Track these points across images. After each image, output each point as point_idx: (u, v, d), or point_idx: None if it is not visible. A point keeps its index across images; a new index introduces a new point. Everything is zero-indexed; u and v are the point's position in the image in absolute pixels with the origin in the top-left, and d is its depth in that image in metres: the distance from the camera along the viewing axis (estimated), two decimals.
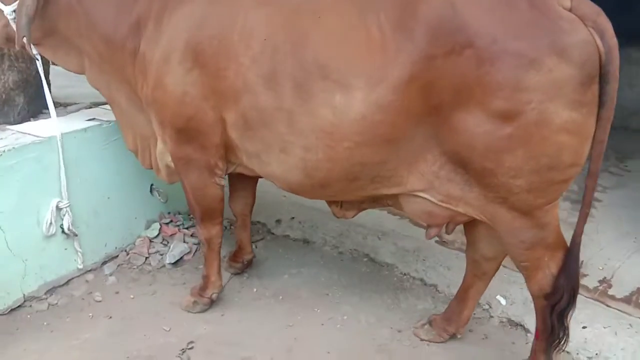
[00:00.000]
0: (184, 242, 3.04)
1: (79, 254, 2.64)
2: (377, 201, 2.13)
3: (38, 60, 2.39)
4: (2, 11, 2.25)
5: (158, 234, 3.06)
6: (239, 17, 1.90)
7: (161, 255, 2.95)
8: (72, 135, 2.51)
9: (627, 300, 2.68)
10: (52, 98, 2.92)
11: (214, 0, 1.97)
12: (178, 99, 2.03)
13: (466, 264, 2.33)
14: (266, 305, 2.63)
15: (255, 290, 2.76)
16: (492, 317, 2.62)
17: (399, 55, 1.65)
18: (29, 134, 2.43)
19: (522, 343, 2.48)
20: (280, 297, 2.70)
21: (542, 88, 1.59)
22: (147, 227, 3.10)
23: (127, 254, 2.93)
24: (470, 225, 2.16)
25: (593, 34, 1.58)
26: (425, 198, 1.92)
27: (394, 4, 1.69)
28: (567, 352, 2.27)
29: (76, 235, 2.56)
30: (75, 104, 3.17)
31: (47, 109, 2.90)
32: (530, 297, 2.62)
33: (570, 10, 1.60)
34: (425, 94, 1.68)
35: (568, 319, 1.95)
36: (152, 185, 3.09)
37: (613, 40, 1.60)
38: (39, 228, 2.45)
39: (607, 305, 2.62)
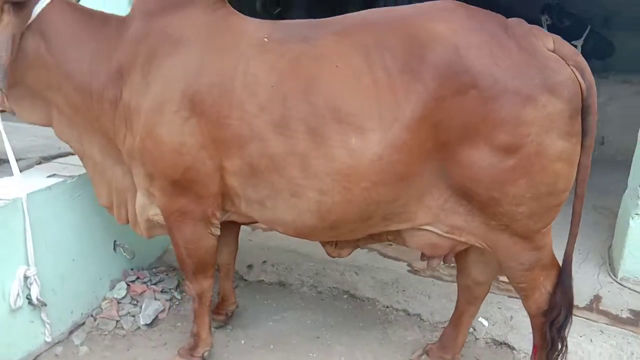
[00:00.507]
0: (155, 299, 2.86)
1: (47, 325, 2.39)
2: (376, 237, 2.16)
3: None
4: None
5: (126, 294, 2.85)
6: (239, 65, 1.88)
7: (133, 316, 2.74)
8: (36, 195, 2.31)
9: (589, 308, 2.91)
10: None
11: (208, 49, 1.93)
12: (174, 149, 1.95)
13: (458, 291, 2.41)
14: (260, 357, 2.53)
15: (243, 342, 2.65)
16: (477, 339, 2.73)
17: (409, 96, 1.73)
18: None
19: None
20: (271, 347, 2.61)
21: (538, 122, 1.73)
22: (112, 287, 2.88)
23: (95, 320, 2.69)
24: (461, 253, 2.25)
25: (575, 72, 1.77)
26: (430, 231, 1.98)
27: (398, 48, 1.77)
28: None
29: (45, 305, 2.32)
30: (22, 159, 2.90)
31: None
32: (509, 316, 2.81)
33: (553, 51, 1.78)
34: (435, 132, 1.76)
35: (566, 332, 2.08)
36: (115, 242, 2.89)
37: (591, 77, 1.79)
38: (5, 301, 2.19)
39: (576, 315, 2.83)
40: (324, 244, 2.32)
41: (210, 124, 1.91)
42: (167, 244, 3.44)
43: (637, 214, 3.08)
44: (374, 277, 3.11)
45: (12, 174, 2.57)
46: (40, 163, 2.83)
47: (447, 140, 1.78)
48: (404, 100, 1.73)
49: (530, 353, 2.61)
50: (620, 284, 3.16)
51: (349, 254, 2.34)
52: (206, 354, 2.40)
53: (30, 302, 2.29)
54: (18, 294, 2.21)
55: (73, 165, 2.73)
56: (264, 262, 3.27)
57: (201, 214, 2.09)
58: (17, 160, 2.83)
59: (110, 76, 2.06)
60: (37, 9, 2.02)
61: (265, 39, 1.91)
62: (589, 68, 1.80)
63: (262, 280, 3.19)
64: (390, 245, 3.24)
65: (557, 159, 1.78)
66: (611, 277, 3.25)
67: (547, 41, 1.79)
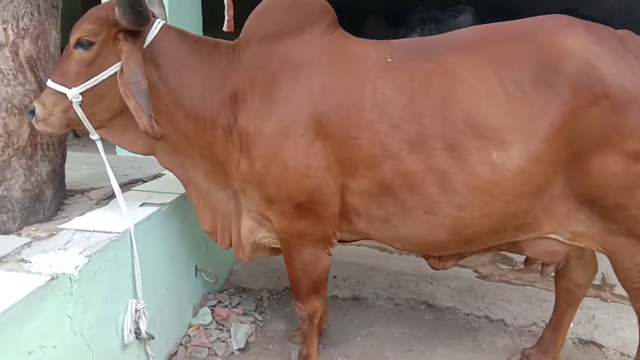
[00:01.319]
0: (241, 322, 2.83)
1: (151, 358, 2.34)
2: (492, 247, 2.19)
3: (99, 144, 2.16)
4: (64, 95, 2.01)
5: (211, 320, 2.81)
6: (366, 86, 1.90)
7: (224, 341, 2.70)
8: (139, 225, 2.26)
9: None
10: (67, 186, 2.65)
11: (331, 72, 1.94)
12: (301, 172, 1.95)
13: (557, 295, 2.47)
14: None
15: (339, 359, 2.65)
16: (564, 339, 2.78)
17: (546, 108, 1.77)
18: (97, 231, 2.14)
19: (601, 358, 2.68)
20: None
21: None
22: (195, 313, 2.84)
23: (187, 348, 2.64)
24: None
25: None
26: (553, 239, 2.03)
27: (527, 61, 1.81)
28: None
29: (152, 338, 2.27)
30: (94, 188, 2.84)
31: (66, 200, 2.62)
32: (591, 315, 2.87)
33: None
34: (570, 143, 1.81)
35: None
36: (196, 266, 2.86)
37: None
38: (118, 337, 2.14)
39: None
40: (427, 257, 2.35)
41: (337, 146, 1.92)
42: (232, 265, 3.42)
43: None
44: (448, 285, 3.15)
45: (87, 206, 2.57)
46: (112, 193, 2.78)
47: (580, 150, 1.83)
48: (541, 112, 1.78)
49: (617, 349, 2.71)
50: None
51: (452, 266, 2.37)
52: None
53: (137, 336, 2.24)
54: (130, 329, 2.16)
55: (154, 192, 2.70)
56: (335, 277, 3.26)
57: (321, 234, 2.09)
58: (90, 190, 2.82)
59: (224, 102, 2.05)
60: (150, 37, 2.00)
61: (389, 59, 1.93)
62: None
63: (336, 295, 3.19)
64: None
65: None
66: None
67: None
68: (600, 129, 1.79)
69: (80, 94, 1.99)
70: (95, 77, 1.97)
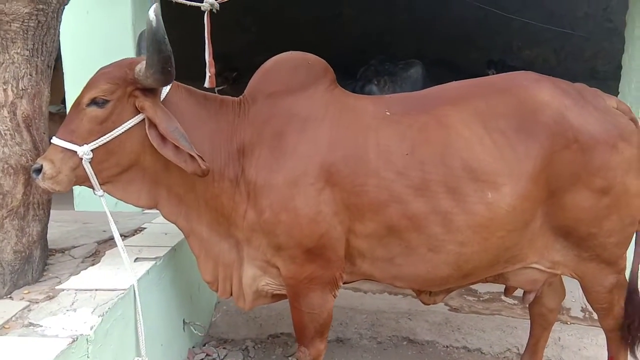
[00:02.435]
0: None
1: None
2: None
3: (104, 200, 2.14)
4: (74, 152, 2.01)
5: None
6: (369, 137, 2.07)
7: None
8: (140, 281, 2.24)
9: None
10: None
11: (336, 125, 2.10)
12: (311, 219, 2.05)
13: (532, 320, 2.70)
14: None
15: None
16: None
17: (529, 152, 2.03)
18: (100, 289, 2.10)
19: None
20: None
21: (621, 166, 2.12)
22: None
23: None
24: None
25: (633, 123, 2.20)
26: (535, 268, 2.26)
27: (509, 113, 2.08)
28: None
29: None
30: (76, 246, 2.74)
31: (48, 259, 2.54)
32: (557, 337, 3.13)
33: (617, 108, 2.20)
34: (549, 181, 2.07)
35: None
36: (184, 320, 2.82)
37: None
38: None
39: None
40: (418, 293, 2.50)
41: (345, 192, 2.06)
42: (211, 317, 3.38)
43: None
44: (426, 320, 3.31)
45: (74, 264, 2.50)
46: (96, 250, 2.72)
47: (556, 188, 2.10)
48: (525, 156, 2.04)
49: None
50: None
51: (442, 300, 2.54)
52: None
53: None
54: None
55: (142, 247, 2.67)
56: None
57: (329, 277, 2.19)
58: (71, 248, 2.73)
59: (232, 155, 2.13)
60: (163, 94, 2.06)
61: (387, 113, 2.12)
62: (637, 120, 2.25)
63: None
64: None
65: (636, 194, 2.17)
66: None
67: (611, 101, 2.21)
68: (572, 169, 2.08)
69: (91, 150, 2.00)
70: (109, 134, 2.00)
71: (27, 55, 2.10)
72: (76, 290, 2.12)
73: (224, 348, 3.08)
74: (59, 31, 2.30)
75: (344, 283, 2.40)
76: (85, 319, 1.88)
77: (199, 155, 1.93)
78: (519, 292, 2.59)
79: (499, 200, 2.02)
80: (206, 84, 2.81)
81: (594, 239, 2.18)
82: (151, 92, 2.01)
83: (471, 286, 3.63)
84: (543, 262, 2.25)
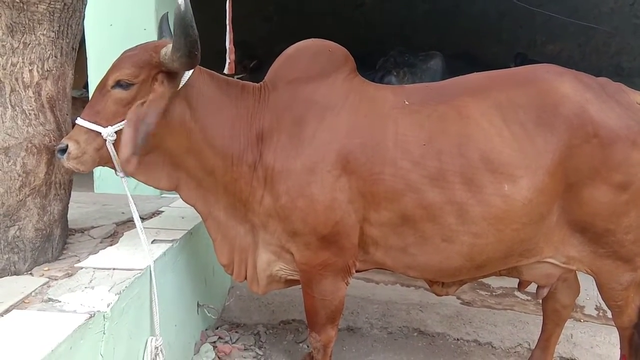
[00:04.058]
0: (243, 357, 2.85)
1: None
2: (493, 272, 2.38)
3: (125, 182, 2.18)
4: (98, 133, 2.04)
5: (214, 356, 2.81)
6: (388, 126, 2.07)
7: None
8: (156, 262, 2.28)
9: None
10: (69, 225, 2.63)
11: (355, 113, 2.11)
12: (327, 206, 2.07)
13: (544, 316, 2.69)
14: None
15: None
16: None
17: (547, 145, 2.02)
18: (118, 268, 2.15)
19: None
20: None
21: None
22: (197, 350, 2.84)
23: None
24: None
25: None
26: (550, 262, 2.25)
27: (529, 105, 2.06)
28: None
29: None
30: (95, 227, 2.80)
31: (68, 239, 2.59)
32: (569, 334, 3.11)
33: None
34: (566, 175, 2.06)
35: None
36: (198, 302, 2.87)
37: None
38: None
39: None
40: (431, 284, 2.51)
41: (362, 181, 2.07)
42: (224, 301, 3.43)
43: None
44: (437, 312, 3.31)
45: (93, 244, 2.55)
46: (114, 231, 2.77)
47: (574, 182, 2.08)
48: (543, 149, 2.02)
49: None
50: None
51: (455, 292, 2.54)
52: None
53: None
54: None
55: (159, 229, 2.72)
56: None
57: (342, 265, 2.20)
58: (90, 228, 2.79)
59: (251, 140, 2.15)
60: (185, 78, 2.08)
61: (406, 102, 2.12)
62: None
63: None
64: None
65: None
66: None
67: (635, 96, 2.17)
68: (591, 163, 2.05)
69: (115, 132, 2.03)
70: None
71: (53, 37, 2.14)
72: (94, 268, 2.17)
73: (235, 332, 3.12)
74: (84, 14, 2.33)
75: (357, 271, 2.42)
76: (102, 296, 1.92)
77: (136, 157, 1.95)
78: (531, 288, 2.58)
79: (515, 193, 2.01)
80: (226, 71, 2.84)
81: (611, 235, 2.15)
82: (172, 77, 2.03)
83: (484, 281, 3.63)
84: (558, 257, 2.23)
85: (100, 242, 2.60)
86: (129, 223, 2.88)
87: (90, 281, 2.05)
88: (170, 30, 2.37)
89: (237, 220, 2.30)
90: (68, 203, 2.48)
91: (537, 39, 7.41)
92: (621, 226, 2.13)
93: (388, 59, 4.87)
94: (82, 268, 2.18)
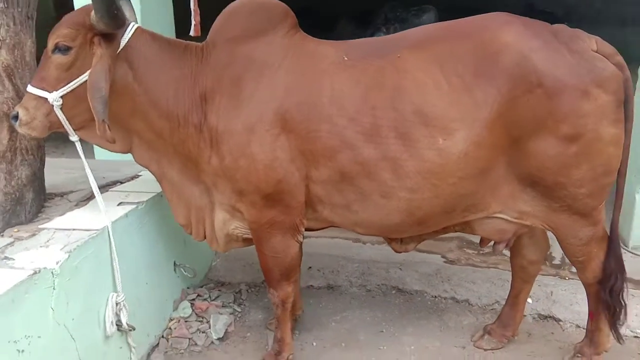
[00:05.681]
0: (220, 314, 2.96)
1: (133, 349, 2.46)
2: (445, 229, 2.36)
3: (79, 145, 2.27)
4: (45, 99, 2.12)
5: (191, 313, 2.94)
6: (324, 83, 2.05)
7: (203, 332, 2.83)
8: (117, 223, 2.38)
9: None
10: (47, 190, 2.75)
11: (293, 70, 2.09)
12: (267, 165, 2.09)
13: (513, 272, 2.65)
14: (336, 356, 2.68)
15: (314, 344, 2.79)
16: (525, 315, 2.94)
17: (486, 97, 1.95)
18: (77, 229, 2.26)
19: (559, 331, 2.87)
20: (343, 345, 2.77)
21: (593, 113, 1.99)
22: (176, 307, 2.97)
23: (168, 340, 2.77)
24: None
25: (616, 68, 2.04)
26: (500, 218, 2.21)
27: (469, 56, 1.99)
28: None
29: (134, 330, 2.39)
30: (73, 191, 2.94)
31: (47, 203, 2.73)
32: (549, 292, 3.07)
33: (596, 51, 2.05)
34: (509, 128, 1.99)
35: (625, 296, 2.34)
36: (175, 262, 2.98)
37: (628, 72, 2.07)
38: (100, 329, 2.26)
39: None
40: (389, 241, 2.51)
41: (300, 139, 2.08)
42: (211, 262, 3.54)
43: None
44: (416, 270, 3.32)
45: (67, 207, 2.67)
46: (91, 196, 2.88)
47: (519, 135, 2.01)
48: (482, 101, 1.96)
49: (573, 322, 2.90)
50: (633, 252, 3.51)
51: (414, 249, 2.54)
52: (291, 357, 2.53)
53: (119, 328, 2.36)
54: (111, 320, 2.28)
55: (131, 192, 2.81)
56: (309, 268, 3.41)
57: (290, 223, 2.24)
58: (69, 193, 2.92)
59: (195, 101, 2.18)
60: (124, 40, 2.11)
61: (345, 58, 2.09)
62: (625, 64, 2.08)
63: (311, 285, 3.33)
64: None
65: (610, 143, 2.04)
66: (623, 248, 3.57)
67: (591, 43, 2.05)
68: (536, 115, 1.98)
69: (61, 97, 2.10)
70: (75, 81, 2.08)
71: (2, 7, 2.20)
72: (56, 229, 2.29)
73: (218, 290, 3.24)
74: None
75: (312, 230, 2.46)
76: (54, 254, 2.04)
77: (106, 123, 1.97)
78: None
79: (451, 147, 1.97)
80: (191, 33, 2.84)
81: (562, 189, 2.09)
82: (109, 38, 2.06)
83: (473, 239, 3.59)
84: (509, 212, 2.19)
85: (75, 205, 2.72)
86: (107, 187, 2.99)
87: (48, 241, 2.17)
88: None
89: (192, 181, 2.35)
90: (40, 168, 2.60)
91: None
92: (572, 179, 2.06)
93: (379, 14, 4.74)
94: (45, 229, 2.30)
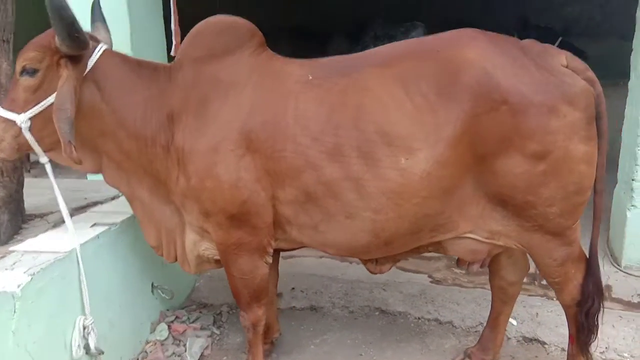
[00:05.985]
0: (197, 337, 2.92)
1: None
2: (417, 250, 2.31)
3: (49, 167, 2.27)
4: (14, 121, 2.12)
5: (168, 335, 2.90)
6: (289, 102, 2.04)
7: (179, 356, 2.79)
8: (87, 245, 2.37)
9: None
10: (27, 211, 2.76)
11: (258, 90, 2.09)
12: (232, 185, 2.08)
13: (492, 293, 2.59)
14: None
15: None
16: (509, 338, 2.89)
17: (448, 116, 1.92)
18: (44, 251, 2.25)
19: (543, 355, 2.78)
20: None
21: (562, 130, 1.95)
22: (153, 329, 2.93)
23: None
24: (493, 257, 2.44)
25: (587, 84, 2.00)
26: (471, 238, 2.16)
27: (432, 75, 1.97)
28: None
29: (102, 353, 2.36)
30: (52, 212, 2.95)
31: (25, 224, 2.73)
32: (534, 313, 2.99)
33: (566, 66, 2.02)
34: (473, 147, 1.96)
35: (600, 320, 2.27)
36: (152, 284, 2.96)
37: (600, 87, 2.03)
38: (66, 352, 2.23)
39: None
40: (364, 262, 2.47)
41: (265, 159, 2.06)
42: (194, 282, 3.51)
43: (633, 206, 3.35)
44: (401, 291, 3.26)
45: (44, 229, 2.67)
46: (72, 215, 2.88)
47: (484, 153, 1.97)
48: (445, 120, 1.93)
49: (559, 345, 2.82)
50: (625, 272, 3.42)
51: (389, 270, 2.49)
52: None
53: (87, 352, 2.32)
54: (78, 344, 2.25)
55: (108, 213, 2.81)
56: (292, 288, 3.37)
57: (257, 244, 2.21)
58: (49, 214, 2.92)
59: (162, 122, 2.18)
60: (92, 61, 2.13)
61: (310, 77, 2.08)
62: (597, 80, 2.04)
63: (294, 306, 3.28)
64: (407, 259, 3.38)
65: (581, 161, 2.00)
66: (615, 267, 3.50)
67: (560, 58, 2.02)
68: (502, 132, 1.94)
69: (29, 119, 2.11)
70: (43, 103, 2.09)
71: None
72: (24, 251, 2.28)
73: (199, 312, 3.20)
74: (12, 7, 2.42)
75: (283, 250, 2.42)
76: (16, 277, 2.02)
77: (72, 144, 1.97)
78: None
79: (413, 166, 1.94)
80: (172, 53, 2.86)
81: (532, 208, 2.04)
82: (75, 60, 2.07)
83: None
84: (479, 232, 2.14)
85: (53, 227, 2.72)
86: (87, 208, 3.00)
87: (14, 263, 2.15)
88: (102, 15, 2.43)
89: (162, 201, 2.34)
90: (17, 190, 2.61)
91: (554, 1, 6.96)
92: (541, 198, 2.01)
93: (367, 32, 4.74)
94: (14, 251, 2.29)
